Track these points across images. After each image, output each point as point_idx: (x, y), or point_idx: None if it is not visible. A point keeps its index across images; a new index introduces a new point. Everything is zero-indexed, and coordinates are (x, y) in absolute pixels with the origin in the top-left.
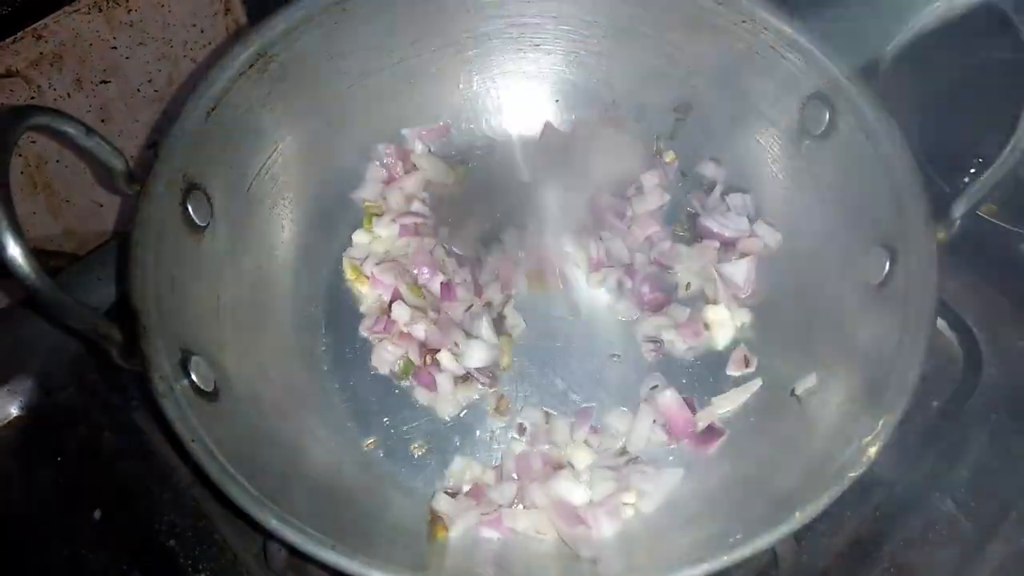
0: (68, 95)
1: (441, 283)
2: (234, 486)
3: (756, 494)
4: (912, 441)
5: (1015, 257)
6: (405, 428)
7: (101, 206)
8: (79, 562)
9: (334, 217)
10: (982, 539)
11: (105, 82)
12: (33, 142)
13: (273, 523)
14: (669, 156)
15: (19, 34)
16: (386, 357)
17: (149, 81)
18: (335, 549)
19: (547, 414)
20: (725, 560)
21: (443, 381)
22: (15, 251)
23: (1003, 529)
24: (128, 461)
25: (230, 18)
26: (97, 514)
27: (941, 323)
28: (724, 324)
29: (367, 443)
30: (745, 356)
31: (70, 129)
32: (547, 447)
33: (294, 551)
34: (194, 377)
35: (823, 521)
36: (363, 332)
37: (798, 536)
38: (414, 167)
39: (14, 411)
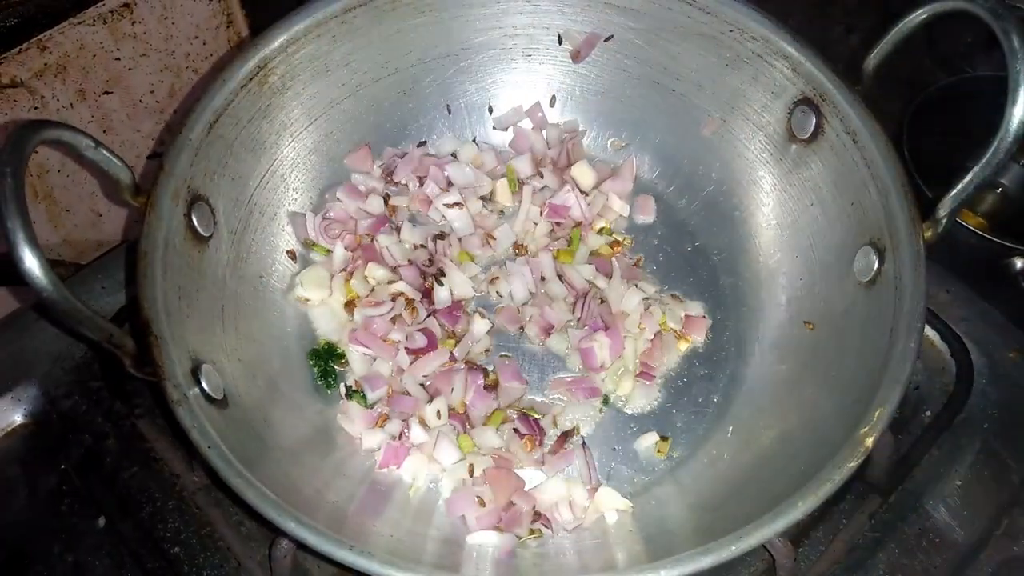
0: (71, 105)
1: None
2: (252, 491)
3: (758, 485)
4: (906, 450)
5: (1005, 270)
6: None
7: (101, 216)
8: (83, 569)
9: None
10: (975, 547)
11: (108, 93)
12: (35, 152)
13: (292, 525)
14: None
15: (24, 45)
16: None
17: (151, 92)
18: (352, 550)
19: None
20: (732, 551)
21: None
22: (32, 262)
23: (996, 537)
24: (132, 468)
25: (232, 31)
26: (101, 521)
27: (934, 335)
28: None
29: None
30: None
31: (79, 142)
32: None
33: (303, 550)
34: (204, 385)
35: (820, 528)
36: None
37: (795, 542)
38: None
39: (18, 418)
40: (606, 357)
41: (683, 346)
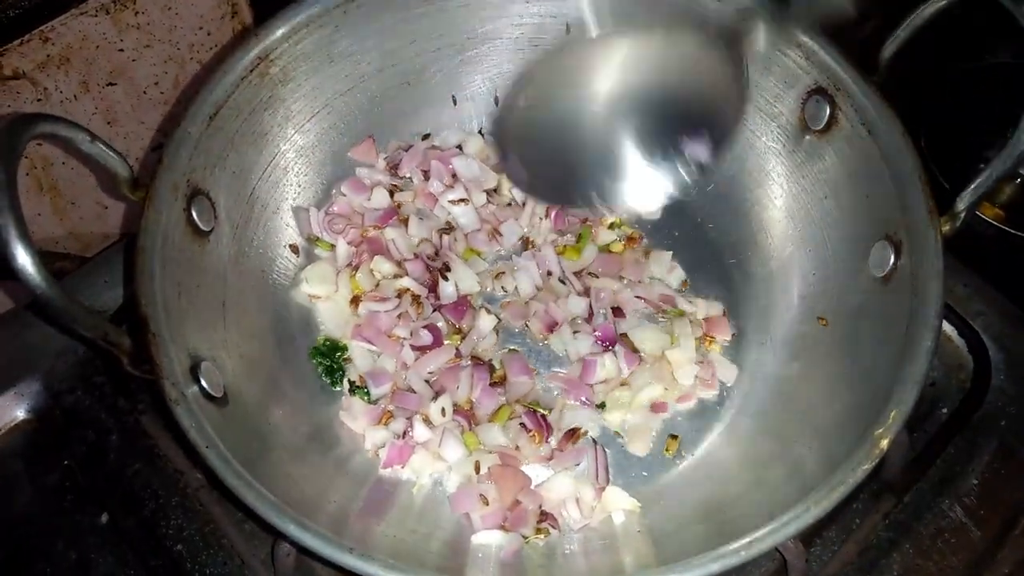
0: (75, 97)
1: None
2: (251, 492)
3: (769, 486)
4: (921, 448)
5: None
6: None
7: (106, 208)
8: (86, 566)
9: None
10: (991, 547)
11: (112, 84)
12: (39, 144)
13: (291, 528)
14: None
15: (26, 36)
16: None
17: (156, 84)
18: (353, 553)
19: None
20: (743, 556)
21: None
22: (25, 260)
23: (1012, 536)
24: (135, 465)
25: (237, 21)
26: (104, 518)
27: (950, 330)
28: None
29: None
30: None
31: (75, 136)
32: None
33: (304, 553)
34: (204, 383)
35: (832, 528)
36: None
37: (807, 543)
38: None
39: (21, 414)
40: (607, 376)
41: (714, 349)
